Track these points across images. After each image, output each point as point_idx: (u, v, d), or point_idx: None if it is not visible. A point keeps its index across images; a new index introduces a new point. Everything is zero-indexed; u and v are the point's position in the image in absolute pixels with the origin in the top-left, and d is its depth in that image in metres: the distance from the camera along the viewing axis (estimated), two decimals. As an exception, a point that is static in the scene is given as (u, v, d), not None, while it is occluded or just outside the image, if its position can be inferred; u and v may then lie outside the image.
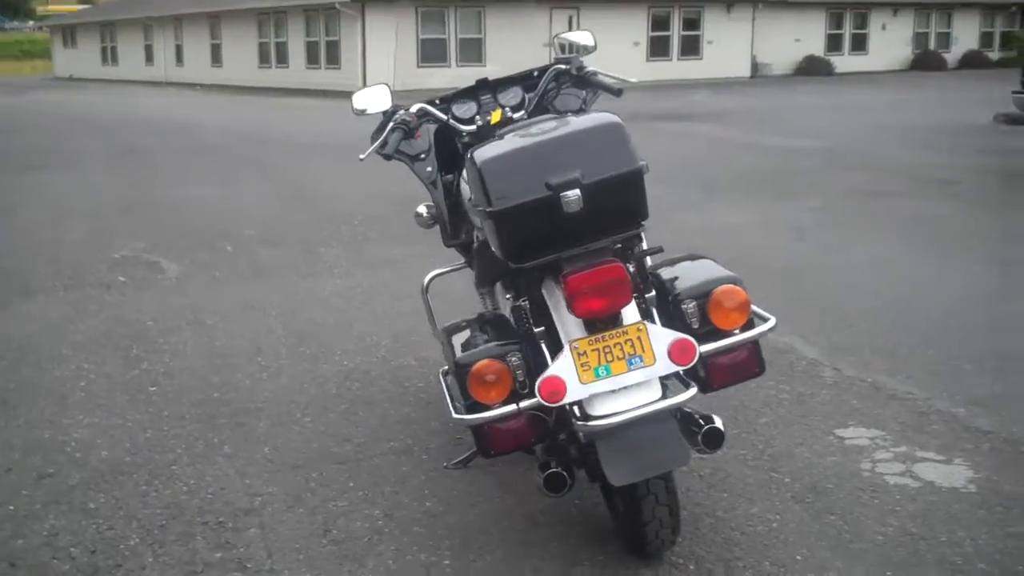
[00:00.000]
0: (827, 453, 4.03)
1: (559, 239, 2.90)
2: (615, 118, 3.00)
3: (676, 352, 2.88)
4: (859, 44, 40.33)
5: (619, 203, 2.92)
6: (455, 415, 3.04)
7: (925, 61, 40.33)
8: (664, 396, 2.91)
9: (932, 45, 41.65)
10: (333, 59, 31.98)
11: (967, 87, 29.18)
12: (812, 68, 37.77)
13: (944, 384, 4.77)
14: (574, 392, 2.85)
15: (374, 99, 4.33)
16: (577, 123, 3.00)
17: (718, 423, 3.12)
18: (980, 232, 8.57)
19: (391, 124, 4.09)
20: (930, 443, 4.10)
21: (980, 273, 7.03)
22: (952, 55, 41.44)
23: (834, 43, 39.63)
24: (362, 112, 4.34)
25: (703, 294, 3.06)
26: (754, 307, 3.14)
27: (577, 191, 2.83)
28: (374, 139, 4.29)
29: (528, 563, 3.23)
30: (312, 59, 33.15)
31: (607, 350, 2.87)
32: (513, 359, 3.01)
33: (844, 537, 3.36)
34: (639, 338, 2.89)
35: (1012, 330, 5.66)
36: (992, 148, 14.58)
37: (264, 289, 6.81)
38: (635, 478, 2.91)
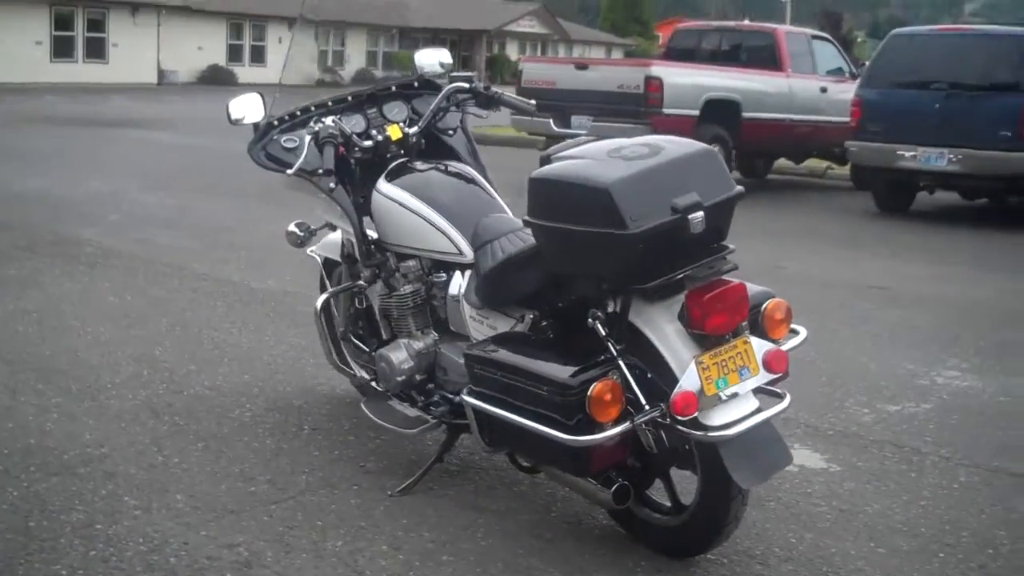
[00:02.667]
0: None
1: (677, 258, 3.06)
2: (708, 146, 3.22)
3: (773, 361, 3.17)
4: (259, 56, 41.12)
5: (721, 224, 3.13)
6: (566, 436, 3.04)
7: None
8: (760, 404, 3.17)
9: (330, 62, 43.52)
10: None
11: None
12: (216, 77, 37.88)
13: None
14: (703, 404, 3.02)
15: (249, 108, 4.14)
16: (680, 147, 3.15)
17: None
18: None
19: (321, 139, 3.94)
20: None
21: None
22: (347, 72, 43.65)
23: (235, 53, 40.08)
24: (239, 122, 4.13)
25: (754, 307, 3.35)
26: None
27: (701, 213, 3.01)
28: (256, 151, 4.09)
29: (593, 576, 3.33)
30: None
31: (723, 363, 3.08)
32: (615, 377, 3.10)
33: (820, 526, 3.81)
34: (746, 351, 3.13)
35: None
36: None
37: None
38: (760, 481, 3.16)
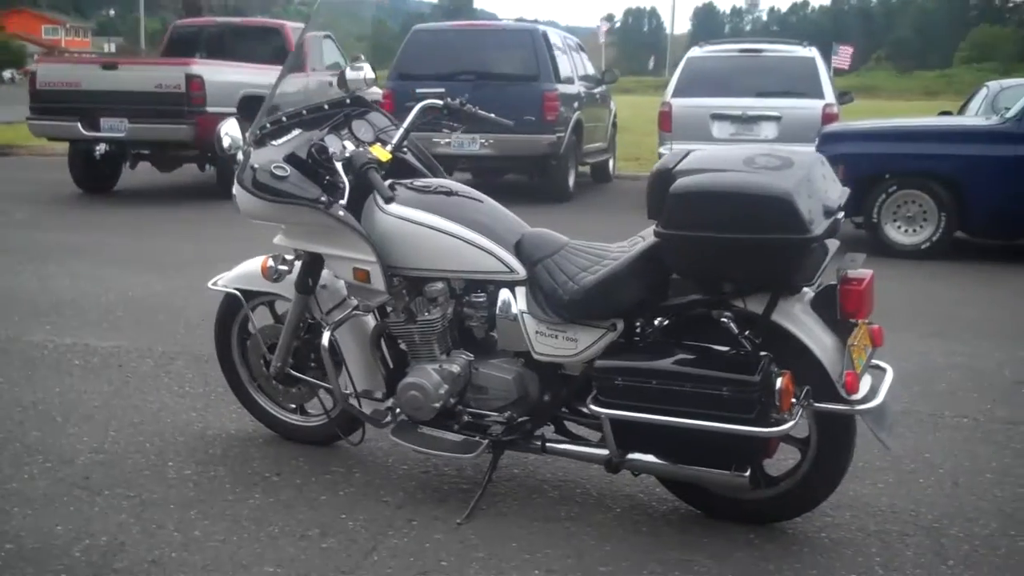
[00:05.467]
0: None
1: (825, 255, 3.37)
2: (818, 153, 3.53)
3: (877, 336, 3.59)
4: None
5: (838, 220, 3.48)
6: (761, 429, 3.23)
7: None
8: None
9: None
10: None
11: None
12: None
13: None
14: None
15: (234, 135, 3.82)
16: (804, 156, 3.42)
17: None
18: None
19: (359, 165, 3.70)
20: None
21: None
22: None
23: None
24: (229, 149, 3.80)
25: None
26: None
27: (842, 213, 3.36)
28: (247, 182, 3.76)
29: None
30: None
31: (859, 344, 3.45)
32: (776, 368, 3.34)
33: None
34: (866, 330, 3.53)
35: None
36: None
37: None
38: (891, 437, 3.55)
